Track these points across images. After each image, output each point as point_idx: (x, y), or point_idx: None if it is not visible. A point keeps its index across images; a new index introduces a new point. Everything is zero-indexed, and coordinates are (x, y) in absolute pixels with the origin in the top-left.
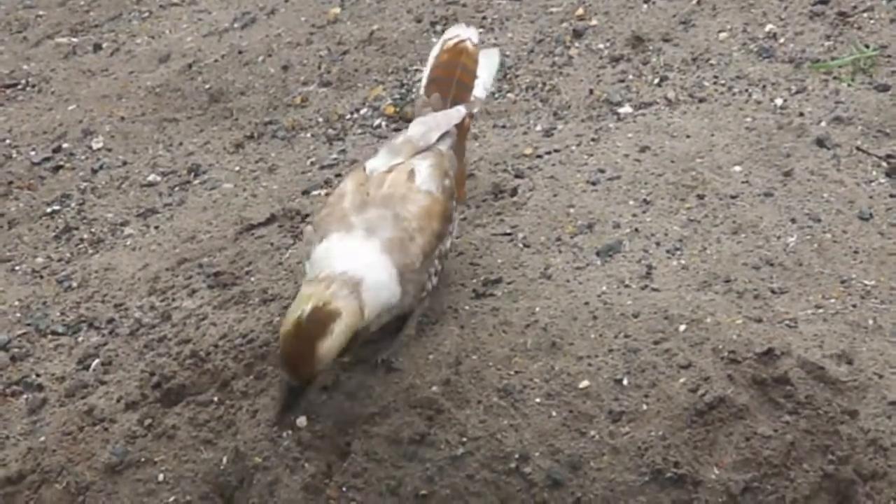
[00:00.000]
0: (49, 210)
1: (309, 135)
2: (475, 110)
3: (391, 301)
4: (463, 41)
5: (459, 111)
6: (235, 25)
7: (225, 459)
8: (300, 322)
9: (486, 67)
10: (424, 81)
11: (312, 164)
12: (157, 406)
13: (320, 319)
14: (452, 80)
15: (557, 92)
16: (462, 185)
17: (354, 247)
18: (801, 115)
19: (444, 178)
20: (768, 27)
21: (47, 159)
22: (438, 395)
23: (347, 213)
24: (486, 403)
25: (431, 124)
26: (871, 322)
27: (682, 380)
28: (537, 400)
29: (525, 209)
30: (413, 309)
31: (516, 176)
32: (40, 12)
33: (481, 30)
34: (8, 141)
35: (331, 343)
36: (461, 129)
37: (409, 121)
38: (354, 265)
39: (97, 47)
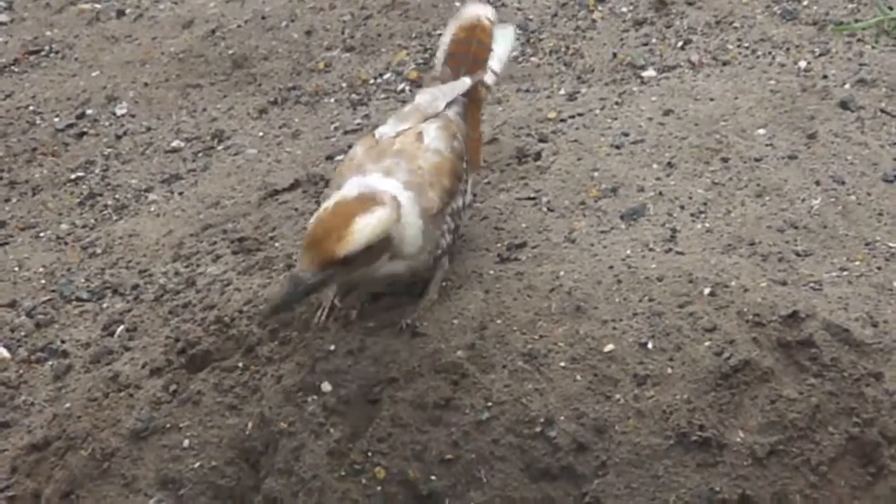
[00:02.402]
0: (73, 176)
1: (332, 100)
2: (488, 81)
3: (416, 228)
4: (478, 17)
5: (465, 82)
6: None
7: (250, 425)
8: (342, 199)
9: (502, 43)
10: (440, 58)
11: (336, 129)
12: (182, 372)
13: (365, 200)
14: (468, 55)
15: (581, 56)
16: (476, 153)
17: (372, 179)
18: (825, 77)
19: (452, 140)
20: None
21: (71, 126)
22: (463, 359)
23: (363, 163)
24: (511, 368)
25: (437, 94)
26: (895, 284)
27: (706, 343)
28: (562, 364)
29: (549, 173)
30: (429, 268)
31: (540, 140)
32: None
33: None
34: (32, 107)
35: (368, 222)
36: (473, 98)
37: None
38: (374, 185)
39: (120, 13)
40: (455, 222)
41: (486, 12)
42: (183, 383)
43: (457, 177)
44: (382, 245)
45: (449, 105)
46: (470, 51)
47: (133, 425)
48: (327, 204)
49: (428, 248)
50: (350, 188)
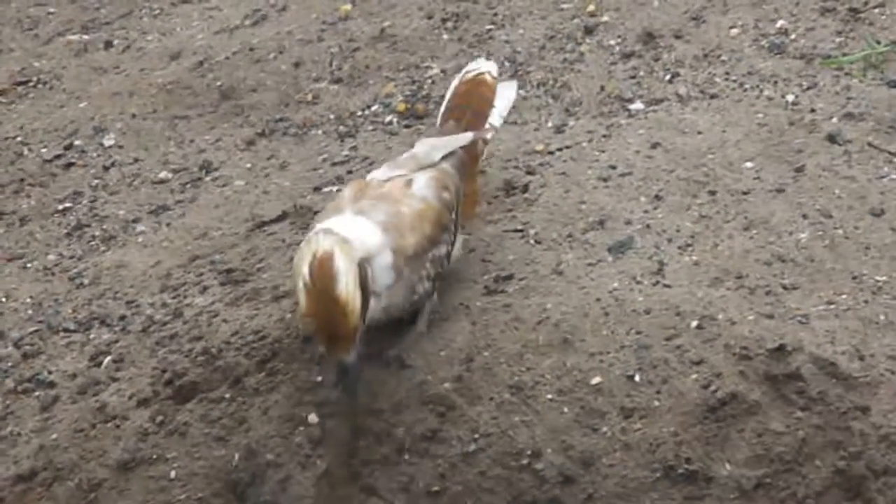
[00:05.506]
0: (61, 207)
1: (320, 132)
2: (488, 136)
3: (387, 262)
4: (482, 73)
5: (467, 135)
6: (246, 22)
7: (237, 456)
8: (307, 287)
9: (504, 98)
10: (441, 111)
11: (324, 160)
12: (169, 403)
13: (322, 267)
14: (470, 109)
15: (569, 88)
16: (470, 207)
17: (341, 217)
18: (813, 111)
19: (442, 191)
20: (779, 23)
21: (59, 156)
22: (450, 391)
23: (342, 206)
24: (498, 400)
25: (436, 144)
26: (882, 318)
27: (693, 376)
28: (549, 396)
29: (536, 206)
30: (403, 311)
31: (528, 172)
32: (51, 10)
33: (492, 26)
34: (19, 138)
35: (346, 281)
36: (471, 152)
37: (420, 117)
38: (333, 224)
39: (108, 44)
40: (436, 269)
41: (489, 68)
42: (170, 414)
43: (440, 226)
44: (365, 275)
45: (446, 157)
46: (471, 104)
47: (120, 456)
48: (300, 297)
49: (402, 291)
50: (298, 262)
